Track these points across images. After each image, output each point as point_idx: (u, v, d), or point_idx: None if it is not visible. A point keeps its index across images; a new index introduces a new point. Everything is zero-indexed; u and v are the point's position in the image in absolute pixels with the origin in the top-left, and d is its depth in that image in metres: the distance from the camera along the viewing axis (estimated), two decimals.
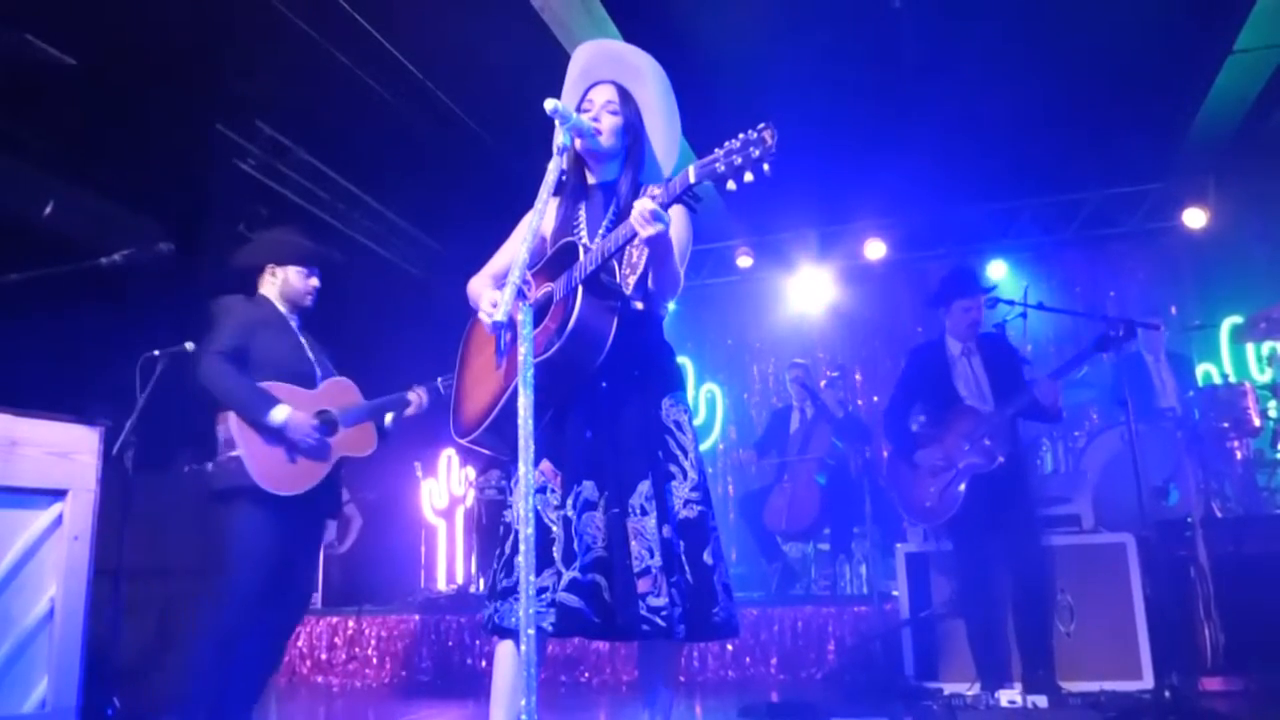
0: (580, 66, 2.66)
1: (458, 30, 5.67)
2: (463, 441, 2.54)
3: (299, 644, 6.14)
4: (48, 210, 5.34)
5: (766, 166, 2.07)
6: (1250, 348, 7.66)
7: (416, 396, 3.91)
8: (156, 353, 4.17)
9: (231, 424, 3.51)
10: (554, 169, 2.32)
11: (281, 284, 3.76)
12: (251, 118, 6.52)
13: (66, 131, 5.32)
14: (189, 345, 4.06)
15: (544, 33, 5.42)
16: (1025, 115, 6.50)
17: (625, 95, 2.59)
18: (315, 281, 3.80)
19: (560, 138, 2.38)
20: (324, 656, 5.98)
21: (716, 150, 2.12)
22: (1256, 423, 6.08)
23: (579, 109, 2.57)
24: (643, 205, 2.20)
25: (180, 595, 6.22)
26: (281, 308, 3.76)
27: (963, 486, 4.25)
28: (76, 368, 4.65)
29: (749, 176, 2.08)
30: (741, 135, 2.10)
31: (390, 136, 6.58)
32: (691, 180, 2.16)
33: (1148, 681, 4.27)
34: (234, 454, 3.49)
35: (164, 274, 3.92)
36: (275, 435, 3.46)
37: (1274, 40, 5.99)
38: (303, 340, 3.76)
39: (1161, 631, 4.38)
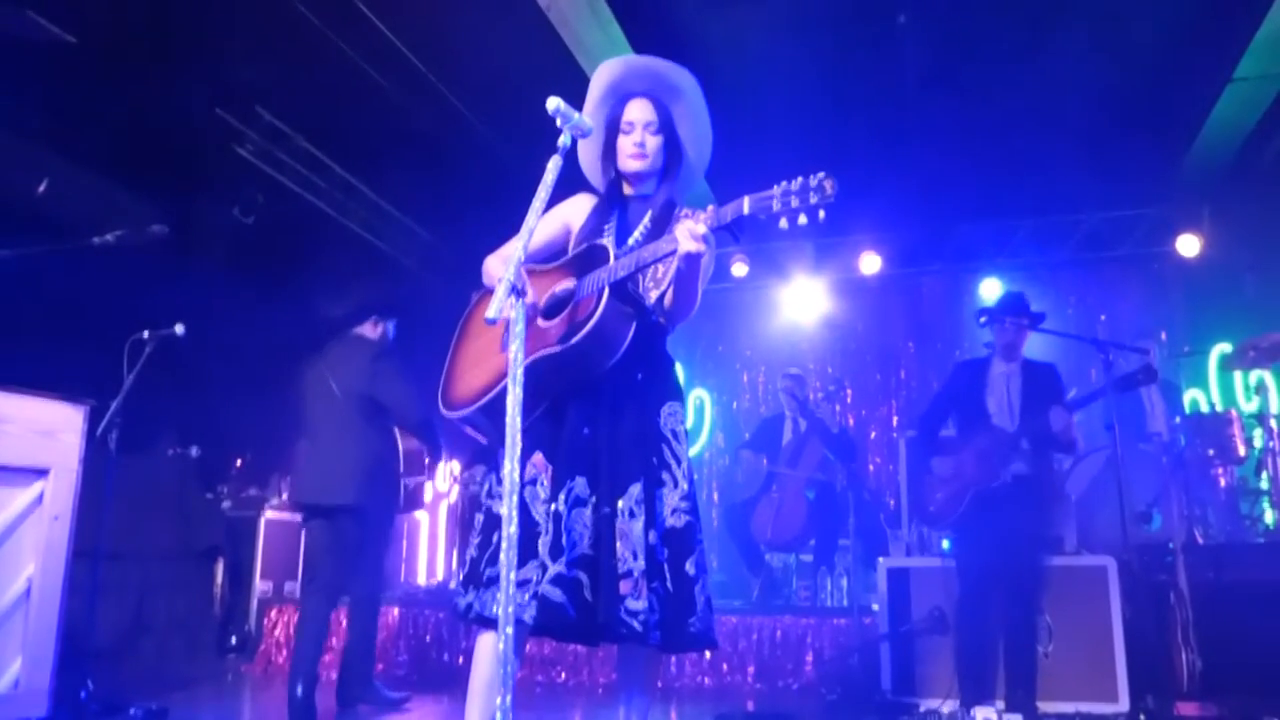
0: (611, 80, 2.64)
1: (462, 24, 5.67)
2: (450, 414, 2.53)
3: (275, 633, 6.12)
4: (41, 188, 5.32)
5: (822, 214, 2.09)
6: (1238, 376, 7.69)
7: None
8: (146, 335, 4.16)
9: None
10: (553, 168, 2.31)
11: (382, 333, 4.63)
12: (251, 103, 6.51)
13: (64, 109, 5.30)
14: (178, 328, 4.07)
15: (549, 31, 5.43)
16: (1024, 135, 6.51)
17: (665, 113, 2.59)
18: (385, 327, 4.66)
19: (561, 138, 2.38)
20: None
21: (774, 188, 2.13)
22: (1242, 451, 6.10)
23: (617, 127, 2.58)
24: (692, 227, 2.21)
25: (159, 579, 6.20)
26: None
27: (966, 499, 4.29)
28: (64, 346, 4.63)
29: (804, 220, 2.10)
30: (800, 179, 2.10)
31: (389, 128, 6.57)
32: (745, 212, 2.16)
33: (1123, 705, 4.28)
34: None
35: (156, 256, 3.92)
36: None
37: (1273, 69, 6.02)
38: None
39: (1139, 655, 4.39)
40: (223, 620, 6.45)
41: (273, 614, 6.20)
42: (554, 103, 2.38)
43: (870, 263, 8.36)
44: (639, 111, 2.58)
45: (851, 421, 8.49)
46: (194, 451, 6.50)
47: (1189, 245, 7.69)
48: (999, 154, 6.77)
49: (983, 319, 4.62)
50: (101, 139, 5.47)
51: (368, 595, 4.64)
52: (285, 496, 7.00)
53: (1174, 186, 7.52)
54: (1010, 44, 5.84)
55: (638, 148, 2.56)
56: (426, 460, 4.82)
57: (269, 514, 6.67)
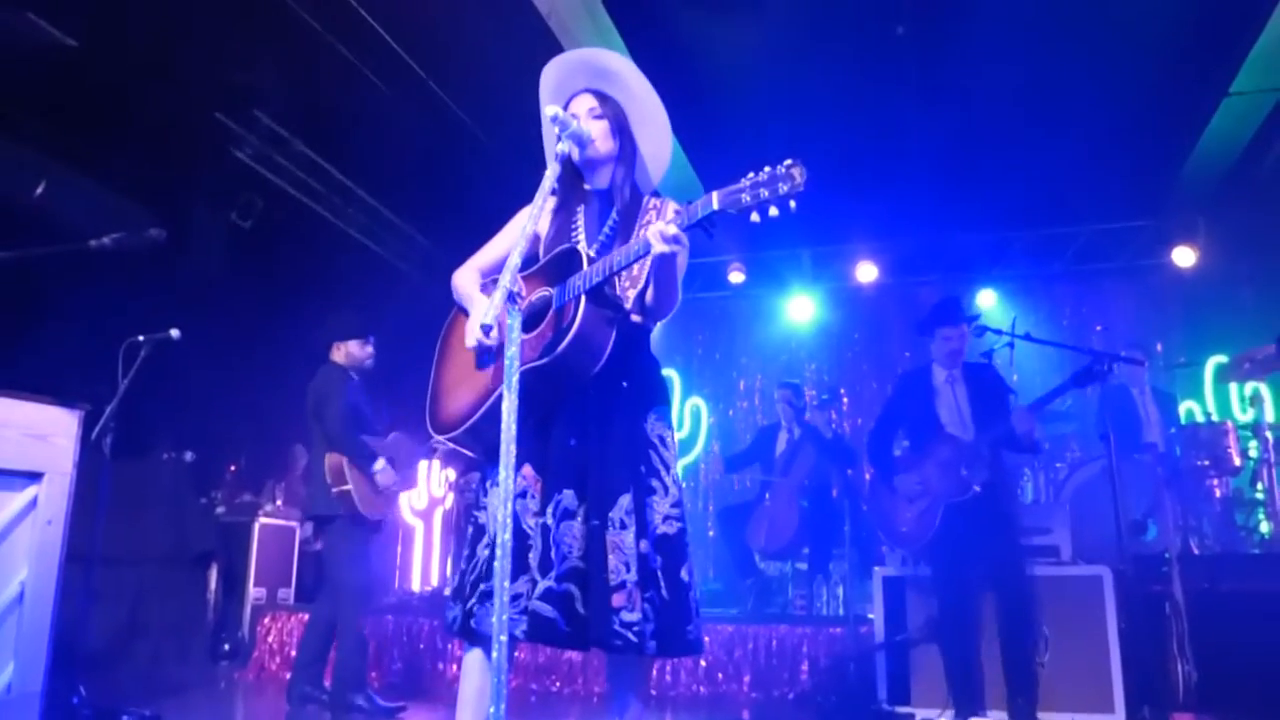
0: (552, 82, 2.63)
1: (463, 30, 5.68)
2: (441, 439, 2.52)
3: (269, 639, 6.10)
4: (39, 190, 5.30)
5: (793, 204, 2.06)
6: (1234, 387, 7.70)
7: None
8: (141, 338, 4.15)
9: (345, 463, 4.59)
10: (550, 175, 2.31)
11: (345, 356, 4.79)
12: (251, 107, 6.50)
13: (63, 112, 5.29)
14: (174, 332, 4.08)
15: (548, 38, 5.44)
16: (1021, 147, 6.54)
17: (605, 99, 2.57)
18: (370, 347, 4.83)
19: (560, 145, 2.38)
20: (294, 653, 5.91)
21: (743, 180, 2.09)
22: (1237, 462, 6.11)
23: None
24: (663, 228, 2.18)
25: (152, 585, 6.18)
26: (351, 373, 4.80)
27: (939, 514, 4.25)
28: (59, 349, 4.62)
29: (774, 211, 2.07)
30: (769, 169, 2.07)
31: (389, 133, 6.57)
32: (715, 207, 2.13)
33: (1119, 715, 4.28)
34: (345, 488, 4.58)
35: (153, 260, 3.91)
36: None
37: (1269, 84, 6.05)
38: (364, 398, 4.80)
39: (1135, 665, 4.38)
40: (216, 626, 6.43)
41: (266, 620, 6.17)
42: (552, 110, 2.39)
43: (867, 272, 8.38)
44: (578, 103, 2.56)
45: (847, 430, 8.49)
46: (188, 456, 6.50)
47: (1185, 257, 7.73)
48: (996, 166, 6.80)
49: (970, 326, 4.56)
50: (99, 142, 5.46)
51: (342, 603, 4.68)
52: (280, 502, 6.99)
53: (1170, 199, 7.56)
54: (1009, 57, 5.86)
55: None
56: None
57: (263, 520, 6.66)
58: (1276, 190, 7.12)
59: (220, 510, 6.78)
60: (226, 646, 6.34)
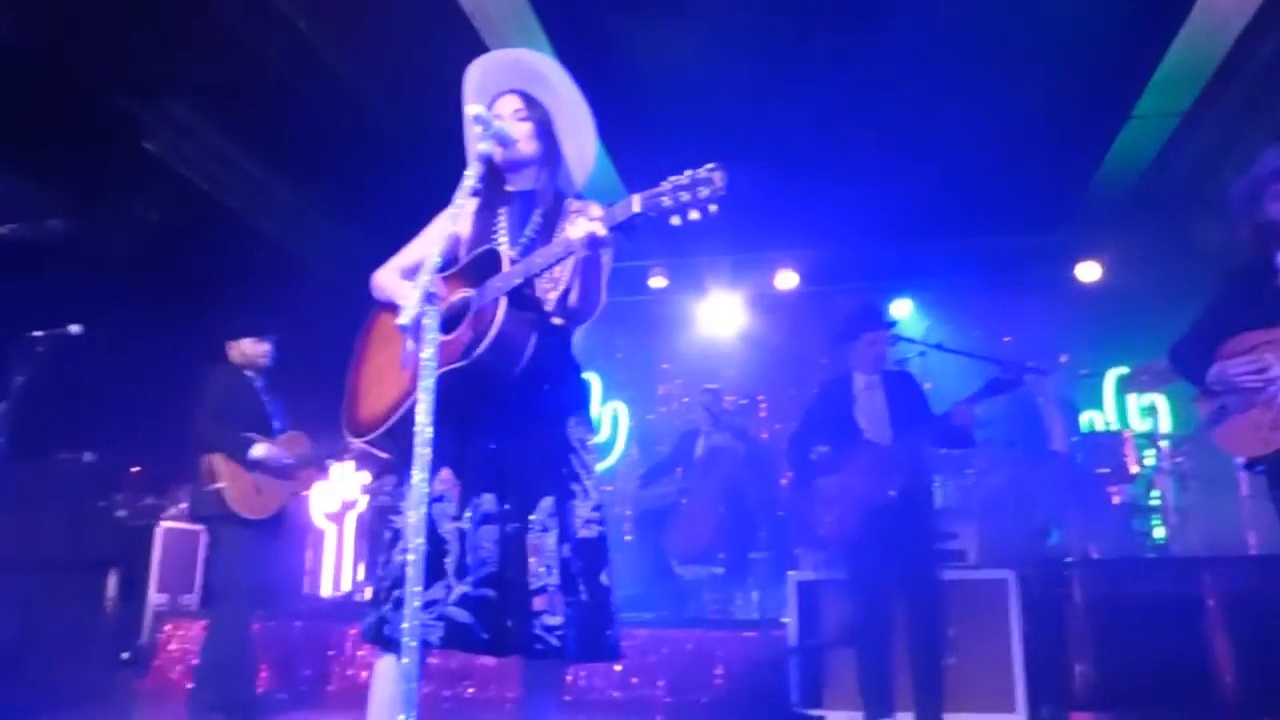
0: (477, 81, 2.61)
1: (385, 26, 5.59)
2: (357, 442, 2.47)
3: (170, 647, 5.89)
4: None
5: (713, 208, 2.05)
6: (1132, 398, 8.03)
7: (358, 445, 4.46)
8: (38, 334, 3.98)
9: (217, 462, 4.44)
10: (471, 175, 2.28)
11: (239, 354, 4.69)
12: (160, 96, 6.28)
13: None
14: (74, 328, 3.93)
15: (473, 36, 5.39)
16: (937, 160, 6.70)
17: (530, 101, 2.55)
18: (266, 346, 4.72)
19: (482, 145, 2.35)
20: (196, 662, 5.73)
21: (663, 184, 2.09)
22: (1134, 469, 6.38)
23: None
24: (587, 227, 2.16)
25: (47, 590, 5.91)
26: (246, 372, 4.70)
27: (856, 517, 4.32)
28: None
29: (695, 215, 2.06)
30: (689, 173, 2.07)
31: (307, 126, 6.42)
32: (636, 210, 2.12)
33: (1021, 715, 4.41)
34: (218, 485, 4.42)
35: (52, 251, 3.76)
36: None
37: (1170, 108, 6.32)
38: (264, 398, 4.68)
39: (1037, 666, 4.52)
40: (114, 634, 6.18)
41: (168, 628, 5.96)
42: (475, 109, 2.37)
43: (786, 279, 8.50)
44: (503, 104, 2.54)
45: (765, 435, 8.58)
46: (87, 457, 6.24)
47: (1089, 272, 8.05)
48: (913, 178, 6.94)
49: (882, 330, 4.65)
50: None
51: (216, 607, 4.66)
52: (184, 505, 6.76)
53: (1077, 216, 7.83)
54: (927, 70, 6.00)
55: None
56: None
57: (166, 523, 6.42)
58: (1176, 211, 7.45)
59: (121, 513, 6.52)
60: (125, 655, 6.09)
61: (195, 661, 5.29)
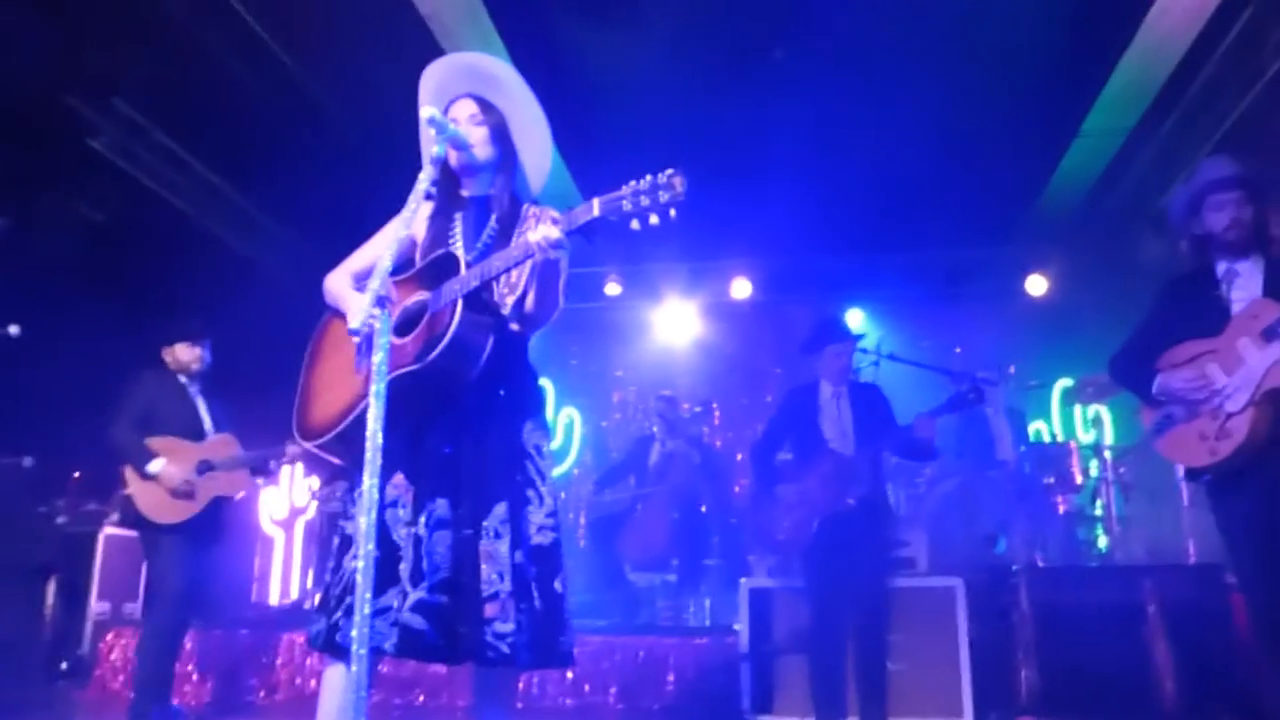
0: (434, 84, 2.60)
1: (339, 27, 5.55)
2: (308, 445, 2.44)
3: (111, 656, 5.76)
4: None
5: (673, 213, 2.05)
6: (1078, 409, 8.19)
7: (294, 448, 4.56)
8: None
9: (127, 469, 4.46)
10: (425, 178, 2.27)
11: (172, 360, 4.70)
12: (108, 94, 6.16)
13: None
14: (13, 329, 3.86)
15: (430, 40, 5.36)
16: (891, 173, 6.79)
17: (486, 106, 2.54)
18: (199, 350, 4.71)
19: (435, 148, 2.34)
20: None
21: (624, 188, 2.09)
22: (1079, 479, 6.49)
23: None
24: (546, 232, 2.16)
25: None
26: (180, 376, 4.69)
27: (815, 524, 4.36)
28: None
29: (655, 220, 2.06)
30: (649, 178, 2.07)
31: (258, 127, 6.33)
32: (596, 214, 2.11)
33: (968, 719, 4.46)
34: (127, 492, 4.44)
35: None
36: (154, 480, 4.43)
37: (1116, 125, 6.47)
38: (198, 402, 4.70)
39: (983, 672, 4.59)
40: (54, 643, 6.02)
41: (109, 636, 5.82)
42: (429, 112, 2.35)
43: (741, 288, 8.56)
44: (458, 108, 2.54)
45: (719, 443, 8.61)
46: (26, 462, 6.08)
47: (1037, 285, 8.21)
48: (868, 191, 7.04)
49: (847, 343, 4.70)
50: None
51: (145, 613, 4.71)
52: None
53: (1026, 230, 7.99)
54: (882, 86, 6.08)
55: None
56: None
57: (109, 530, 6.27)
58: (1121, 226, 7.62)
59: (61, 519, 6.36)
60: (65, 665, 5.94)
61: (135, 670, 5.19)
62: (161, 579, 4.50)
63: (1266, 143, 5.50)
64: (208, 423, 4.70)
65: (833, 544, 4.30)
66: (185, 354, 4.71)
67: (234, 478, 4.65)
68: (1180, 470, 6.03)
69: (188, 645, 5.59)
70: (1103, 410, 8.00)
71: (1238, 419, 2.97)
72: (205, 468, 4.53)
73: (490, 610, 2.21)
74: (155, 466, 4.41)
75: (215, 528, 4.64)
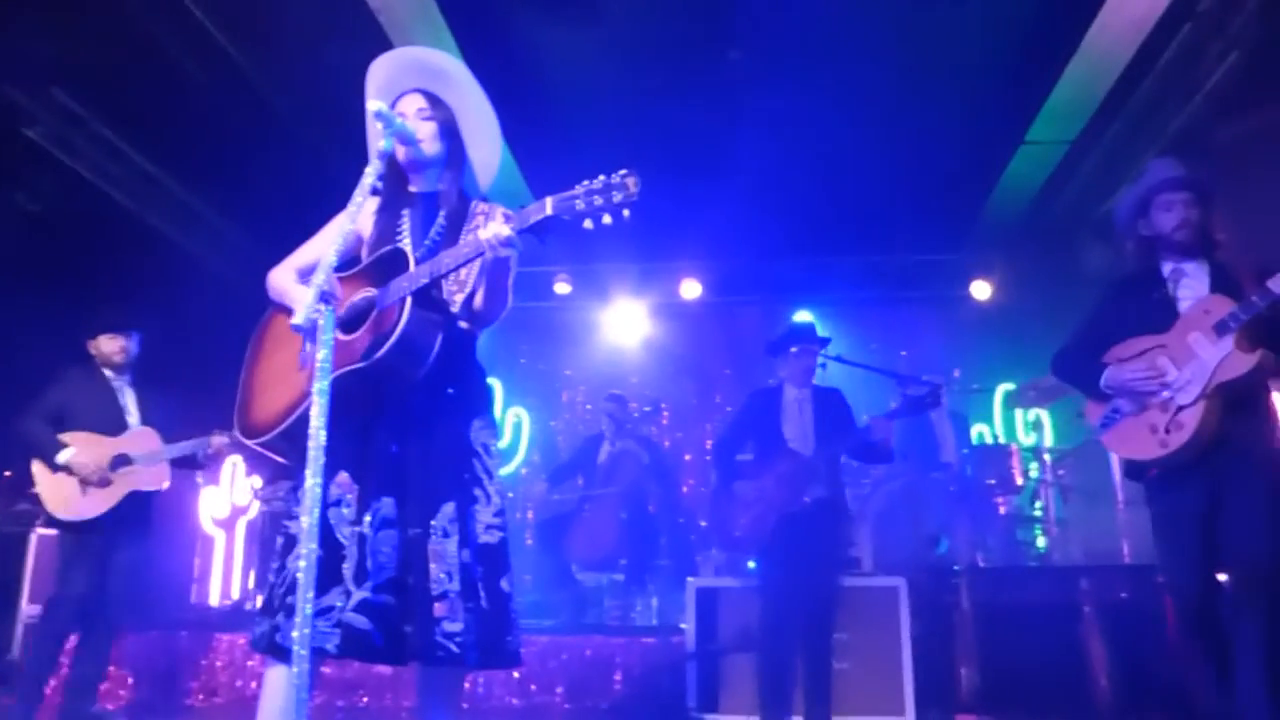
0: (381, 78, 2.57)
1: (286, 19, 5.46)
2: (251, 443, 2.40)
3: None
4: None
5: (626, 213, 2.06)
6: (1019, 413, 8.36)
7: (219, 440, 4.53)
8: None
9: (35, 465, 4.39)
10: (371, 173, 2.25)
11: (96, 352, 4.63)
12: (47, 83, 5.99)
13: None
14: None
15: (379, 34, 5.30)
16: (840, 178, 6.86)
17: (435, 100, 2.52)
18: (122, 342, 4.62)
19: (382, 142, 2.32)
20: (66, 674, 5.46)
21: (577, 187, 2.08)
22: (1019, 481, 6.63)
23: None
24: (498, 229, 2.14)
25: None
26: (105, 370, 4.62)
27: (772, 522, 4.40)
28: None
29: (608, 219, 2.06)
30: (603, 177, 2.06)
31: (200, 120, 6.19)
32: (549, 212, 2.10)
33: (909, 717, 4.53)
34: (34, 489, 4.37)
35: None
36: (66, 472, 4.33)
37: (1061, 135, 6.62)
38: (123, 395, 4.63)
39: (925, 670, 4.66)
40: None
41: None
42: (376, 106, 2.33)
43: (691, 289, 8.60)
44: (406, 102, 2.52)
45: (667, 444, 8.63)
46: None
47: (981, 290, 8.37)
48: (817, 194, 7.10)
49: (810, 346, 4.74)
50: None
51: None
52: None
53: (972, 236, 8.13)
54: (832, 90, 6.12)
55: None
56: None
57: (41, 530, 6.09)
58: (1064, 234, 7.79)
59: None
60: None
61: (66, 674, 5.05)
62: (60, 578, 4.43)
63: (1206, 152, 5.65)
64: (134, 416, 4.61)
65: (789, 542, 4.34)
66: (108, 345, 4.62)
67: (154, 472, 4.54)
68: (1118, 471, 6.22)
69: (121, 646, 5.46)
70: (1043, 414, 8.18)
71: (1189, 411, 2.98)
72: (122, 461, 4.42)
73: (439, 609, 2.19)
74: (64, 456, 4.32)
75: (137, 524, 4.53)
